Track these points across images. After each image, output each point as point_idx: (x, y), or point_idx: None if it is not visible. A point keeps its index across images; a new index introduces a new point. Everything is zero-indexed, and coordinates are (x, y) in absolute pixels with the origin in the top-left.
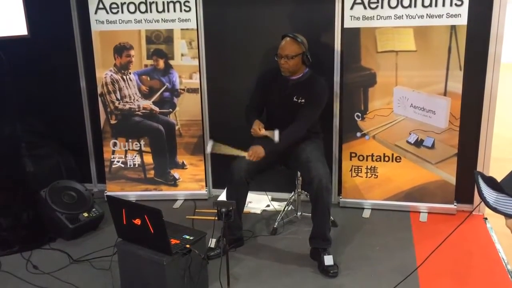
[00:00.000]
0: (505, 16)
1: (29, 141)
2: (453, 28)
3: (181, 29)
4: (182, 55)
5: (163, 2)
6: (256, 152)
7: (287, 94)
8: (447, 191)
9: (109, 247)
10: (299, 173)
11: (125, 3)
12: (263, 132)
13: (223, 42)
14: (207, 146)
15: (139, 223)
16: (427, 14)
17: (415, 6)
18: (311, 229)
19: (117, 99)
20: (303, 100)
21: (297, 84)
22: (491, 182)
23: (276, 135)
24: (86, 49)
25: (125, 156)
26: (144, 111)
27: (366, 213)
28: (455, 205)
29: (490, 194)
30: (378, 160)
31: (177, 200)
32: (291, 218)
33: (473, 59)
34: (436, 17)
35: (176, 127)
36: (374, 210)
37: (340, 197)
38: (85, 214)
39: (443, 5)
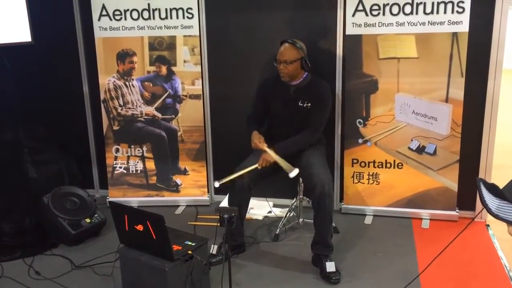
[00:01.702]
0: (507, 23)
1: (32, 147)
2: (454, 35)
3: (184, 36)
4: (184, 61)
5: (166, 9)
6: (266, 160)
7: (291, 100)
8: (449, 197)
9: (111, 253)
10: (301, 179)
11: (128, 10)
12: (265, 146)
13: (226, 49)
14: (214, 183)
15: (141, 229)
16: (428, 21)
17: (416, 13)
18: (313, 235)
19: (120, 105)
20: (309, 104)
21: (300, 89)
22: (493, 189)
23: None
24: (89, 55)
25: (128, 162)
26: (146, 117)
27: (368, 220)
28: (457, 211)
29: (492, 201)
30: (380, 166)
31: (179, 206)
32: (293, 224)
33: (475, 65)
34: (437, 24)
35: (179, 133)
36: (376, 217)
37: (342, 203)
38: (87, 220)
39: (445, 12)
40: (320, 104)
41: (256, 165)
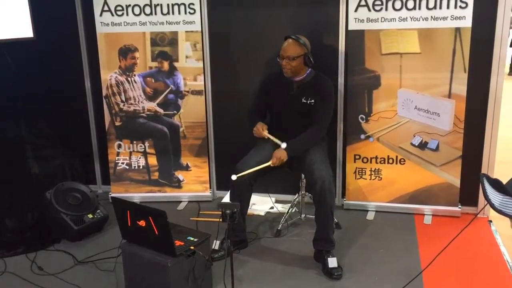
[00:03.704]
0: (510, 18)
1: (34, 143)
2: (457, 30)
3: (186, 31)
4: (186, 57)
5: (168, 5)
6: (280, 158)
7: (294, 96)
8: (452, 193)
9: (113, 248)
10: (303, 175)
11: (130, 5)
12: (266, 133)
13: (228, 44)
14: (232, 177)
15: (143, 225)
16: (431, 17)
17: (419, 8)
18: (314, 231)
19: (122, 101)
20: (312, 101)
21: (304, 85)
22: (496, 184)
23: (283, 144)
24: (91, 51)
25: (130, 158)
26: (148, 113)
27: (370, 216)
28: (460, 207)
29: (495, 196)
30: (382, 162)
31: (181, 201)
32: (295, 220)
33: (478, 61)
34: (440, 19)
35: (181, 129)
36: (378, 213)
37: (344, 199)
38: (90, 216)
39: (448, 7)
40: (324, 101)
41: (270, 163)
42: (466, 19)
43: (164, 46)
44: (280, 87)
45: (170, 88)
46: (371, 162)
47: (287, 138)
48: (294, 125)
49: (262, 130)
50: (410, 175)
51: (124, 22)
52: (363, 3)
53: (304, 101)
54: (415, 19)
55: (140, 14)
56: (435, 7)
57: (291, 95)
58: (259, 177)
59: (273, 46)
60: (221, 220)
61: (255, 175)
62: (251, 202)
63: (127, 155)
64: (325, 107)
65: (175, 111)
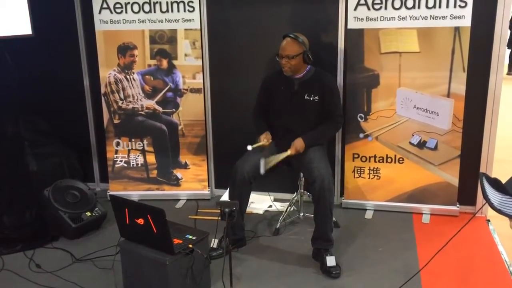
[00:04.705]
0: (509, 18)
1: (33, 140)
2: (457, 29)
3: (185, 29)
4: (185, 55)
5: (167, 2)
6: (297, 149)
7: (296, 93)
8: (450, 192)
9: (111, 246)
10: (301, 174)
11: (129, 3)
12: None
13: (227, 42)
14: (261, 167)
15: (142, 223)
16: (431, 16)
17: (419, 7)
18: (313, 229)
19: (121, 99)
20: (316, 97)
21: (305, 82)
22: (495, 183)
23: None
24: (90, 48)
25: (128, 156)
26: (147, 110)
27: (369, 214)
28: (458, 206)
29: (494, 195)
30: (381, 161)
31: (179, 200)
32: (293, 218)
33: (477, 60)
34: (440, 19)
35: (179, 127)
36: (376, 211)
37: (343, 198)
38: (88, 213)
39: (447, 6)
40: (332, 94)
41: (289, 152)
42: (465, 18)
43: (163, 44)
44: (281, 86)
45: (169, 86)
46: (369, 161)
47: (289, 136)
48: (296, 123)
49: (267, 142)
50: (408, 174)
51: (123, 19)
52: (362, 2)
53: (307, 97)
54: (414, 18)
55: (139, 11)
56: (434, 6)
57: (292, 92)
58: (258, 175)
59: (273, 44)
60: (219, 218)
61: (255, 173)
62: (249, 200)
63: (125, 153)
64: (334, 99)
65: (173, 109)
